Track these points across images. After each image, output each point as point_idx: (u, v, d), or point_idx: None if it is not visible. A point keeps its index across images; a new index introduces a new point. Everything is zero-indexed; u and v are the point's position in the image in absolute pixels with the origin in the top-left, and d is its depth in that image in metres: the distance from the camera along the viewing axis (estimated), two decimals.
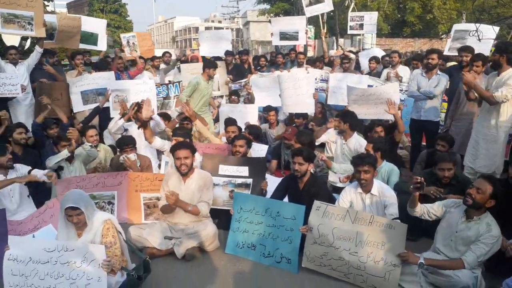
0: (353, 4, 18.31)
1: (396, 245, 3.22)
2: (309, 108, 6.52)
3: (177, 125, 5.82)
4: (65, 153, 4.64)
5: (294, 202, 3.86)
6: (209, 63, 6.57)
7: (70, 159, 4.87)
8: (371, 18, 10.43)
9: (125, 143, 4.92)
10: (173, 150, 4.00)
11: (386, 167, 4.51)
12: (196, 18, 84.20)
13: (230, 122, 6.00)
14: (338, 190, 4.56)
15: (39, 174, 4.17)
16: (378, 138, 5.05)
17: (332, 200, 3.98)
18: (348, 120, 5.08)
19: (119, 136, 5.38)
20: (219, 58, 8.58)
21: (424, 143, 6.34)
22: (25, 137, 4.93)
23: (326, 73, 8.07)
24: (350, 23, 10.54)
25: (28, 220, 4.01)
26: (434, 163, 4.18)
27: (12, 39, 8.13)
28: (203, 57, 9.36)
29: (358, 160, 3.74)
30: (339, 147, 5.24)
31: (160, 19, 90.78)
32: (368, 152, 4.30)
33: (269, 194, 4.39)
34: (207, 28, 50.59)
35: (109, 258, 2.90)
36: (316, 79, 7.45)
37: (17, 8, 5.94)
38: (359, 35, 18.72)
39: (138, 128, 4.98)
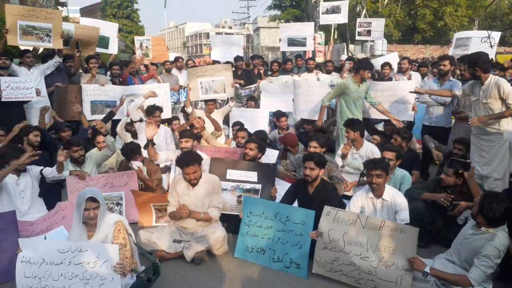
0: (364, 10, 18.31)
1: (408, 250, 3.19)
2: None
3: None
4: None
5: (303, 207, 3.85)
6: (365, 64, 5.88)
7: (80, 163, 4.91)
8: (378, 25, 10.46)
9: (132, 151, 4.95)
10: (180, 165, 3.94)
11: (399, 173, 4.48)
12: (207, 23, 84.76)
13: (239, 127, 6.01)
14: (348, 196, 4.55)
15: (48, 171, 4.23)
16: (399, 146, 4.97)
17: (342, 206, 3.96)
18: (357, 128, 5.04)
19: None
20: (229, 63, 8.62)
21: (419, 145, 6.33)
22: (39, 140, 4.99)
23: (336, 79, 8.08)
24: (358, 29, 10.58)
25: (40, 221, 4.06)
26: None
27: None
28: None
29: (371, 164, 3.73)
30: (350, 156, 5.20)
31: (172, 25, 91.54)
32: (382, 157, 4.25)
33: (278, 200, 4.39)
34: (218, 34, 50.92)
35: (121, 260, 2.92)
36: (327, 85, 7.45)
37: (36, 20, 6.10)
38: (368, 41, 18.72)
39: (145, 148, 4.93)
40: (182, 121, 7.11)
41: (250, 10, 53.69)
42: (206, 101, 7.20)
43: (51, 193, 4.60)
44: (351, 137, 5.06)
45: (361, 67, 5.74)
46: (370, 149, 5.04)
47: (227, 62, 8.56)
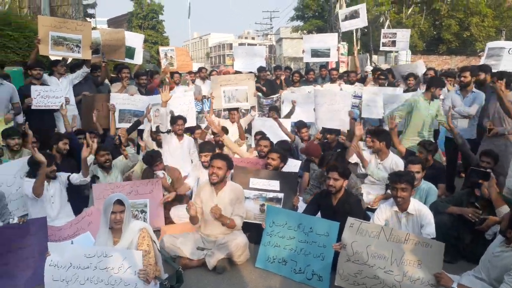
0: (388, 21, 18.20)
1: (433, 265, 3.12)
2: (344, 125, 6.48)
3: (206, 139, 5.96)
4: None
5: (326, 219, 3.82)
6: (437, 81, 5.63)
7: (107, 169, 5.03)
8: (403, 35, 10.35)
9: (153, 158, 5.04)
10: (212, 158, 4.10)
11: (425, 186, 4.39)
12: (230, 34, 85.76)
13: (261, 136, 6.03)
14: (372, 209, 4.50)
15: (74, 176, 4.35)
16: (425, 159, 4.86)
17: (366, 218, 3.91)
18: (384, 139, 4.98)
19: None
20: (252, 73, 8.69)
21: (460, 161, 6.19)
22: (68, 148, 5.12)
23: (359, 89, 8.04)
24: (382, 40, 10.49)
25: (67, 227, 4.16)
26: (473, 182, 4.04)
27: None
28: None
29: (396, 177, 3.68)
30: (374, 167, 5.14)
31: (195, 36, 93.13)
32: (407, 170, 4.19)
33: (300, 209, 4.38)
34: (240, 45, 51.40)
35: (145, 267, 2.97)
36: (351, 96, 7.43)
37: (67, 31, 6.32)
38: (392, 51, 18.56)
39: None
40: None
41: (273, 21, 54.08)
42: (229, 110, 7.27)
43: (79, 199, 4.71)
44: (376, 146, 5.00)
45: (433, 84, 5.49)
46: (395, 161, 4.96)
47: (250, 73, 8.64)
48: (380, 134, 5.02)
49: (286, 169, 5.08)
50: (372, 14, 21.88)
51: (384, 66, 18.02)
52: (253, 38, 77.37)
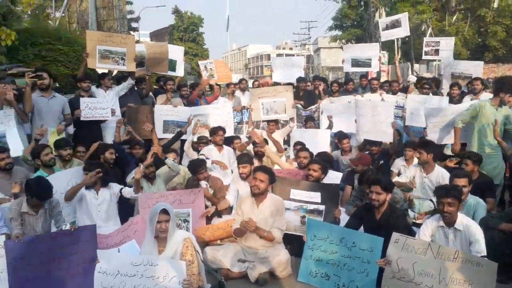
0: (430, 29, 17.73)
1: (485, 285, 2.98)
2: (387, 137, 6.35)
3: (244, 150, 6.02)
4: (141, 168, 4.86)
5: (370, 233, 3.74)
6: (507, 87, 5.23)
7: (151, 179, 5.16)
8: (447, 44, 10.02)
9: (197, 166, 5.12)
10: (255, 170, 4.17)
11: (472, 200, 4.21)
12: (268, 45, 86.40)
13: (301, 147, 6.01)
14: (417, 224, 4.36)
15: (126, 191, 4.49)
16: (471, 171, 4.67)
17: (411, 233, 3.80)
18: (432, 150, 4.81)
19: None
20: (291, 84, 8.70)
21: (507, 174, 5.89)
22: (114, 157, 5.31)
23: (401, 99, 7.86)
24: (425, 49, 10.21)
25: (114, 234, 4.29)
26: None
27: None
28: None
29: (442, 192, 3.55)
30: (418, 179, 4.99)
31: (234, 47, 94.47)
32: (454, 184, 4.03)
33: (342, 222, 4.31)
34: (278, 55, 51.65)
35: (188, 277, 3.01)
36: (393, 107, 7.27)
37: (112, 45, 6.59)
38: (435, 60, 18.04)
39: None
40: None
41: (311, 31, 53.88)
42: (268, 121, 7.32)
43: (125, 208, 4.86)
44: (422, 158, 4.84)
45: (503, 89, 5.15)
46: (441, 174, 4.79)
47: (288, 84, 8.66)
48: (428, 146, 4.85)
49: (327, 180, 5.03)
50: (413, 22, 21.39)
51: (426, 75, 17.55)
52: (291, 49, 77.52)
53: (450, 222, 3.56)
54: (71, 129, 5.98)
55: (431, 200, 4.63)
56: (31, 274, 3.48)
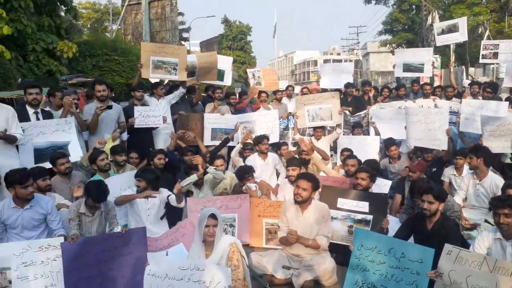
0: (487, 32, 16.86)
1: None
2: (442, 145, 6.11)
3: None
4: (193, 177, 5.01)
5: (420, 243, 3.59)
6: None
7: (199, 186, 5.29)
8: (507, 47, 9.44)
9: (244, 172, 5.20)
10: (298, 178, 4.14)
11: None
12: (315, 51, 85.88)
13: (349, 154, 5.91)
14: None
15: (172, 198, 4.64)
16: None
17: (465, 245, 3.63)
18: (481, 155, 4.58)
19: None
20: (339, 90, 8.60)
21: None
22: (164, 162, 5.50)
23: (456, 105, 7.54)
24: (482, 52, 9.69)
25: (163, 237, 4.44)
26: None
27: None
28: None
29: (498, 202, 3.36)
30: (471, 187, 4.75)
31: (281, 54, 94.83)
32: (509, 194, 3.81)
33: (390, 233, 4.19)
34: (325, 61, 51.27)
35: (234, 282, 3.06)
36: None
37: (165, 55, 6.85)
38: (493, 64, 17.12)
39: None
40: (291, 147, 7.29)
41: (360, 36, 52.98)
42: (314, 128, 7.27)
43: (174, 212, 5.00)
44: (473, 164, 4.63)
45: None
46: (494, 181, 4.54)
47: (337, 90, 8.57)
48: (478, 150, 4.62)
49: (375, 188, 4.92)
50: (469, 24, 20.44)
51: (483, 79, 16.66)
52: (338, 54, 76.61)
53: (508, 234, 3.36)
54: (124, 136, 6.27)
55: (486, 221, 4.40)
56: (85, 274, 3.65)
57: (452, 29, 9.57)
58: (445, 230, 3.61)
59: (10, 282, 3.49)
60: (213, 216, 3.27)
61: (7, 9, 9.74)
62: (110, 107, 5.81)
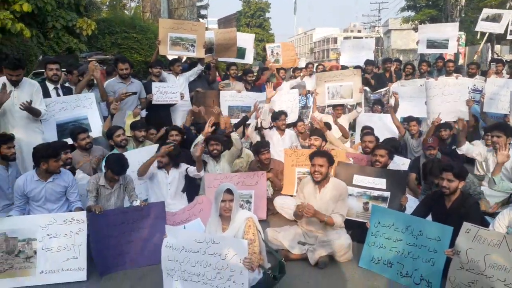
0: None
1: None
2: (463, 115, 5.94)
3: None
4: (200, 137, 5.25)
5: (438, 221, 3.55)
6: None
7: (216, 158, 5.32)
8: None
9: (260, 146, 5.26)
10: (311, 156, 4.09)
11: None
12: (335, 28, 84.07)
13: (367, 131, 5.83)
14: (492, 214, 4.07)
15: (191, 169, 4.78)
16: None
17: (484, 223, 3.56)
18: (511, 134, 4.45)
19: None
20: (359, 67, 8.44)
21: None
22: (179, 139, 5.52)
23: (480, 82, 7.31)
24: (510, 27, 9.33)
25: (181, 212, 4.52)
26: None
27: None
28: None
29: None
30: (491, 166, 4.64)
31: (300, 31, 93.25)
32: None
33: (408, 211, 4.15)
34: (346, 38, 50.08)
35: (250, 255, 3.09)
36: (468, 88, 6.78)
37: (183, 32, 6.79)
38: None
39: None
40: None
41: (381, 13, 51.44)
42: (333, 106, 7.17)
43: (191, 187, 5.08)
44: (501, 142, 4.49)
45: None
46: None
47: (357, 67, 8.39)
48: (508, 128, 4.48)
49: (393, 166, 4.85)
50: None
51: (510, 57, 16.05)
52: (359, 31, 74.85)
53: None
54: (143, 113, 6.31)
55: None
56: (108, 245, 3.79)
57: (496, 18, 9.30)
58: (464, 209, 3.55)
59: (35, 252, 3.63)
60: (229, 191, 3.29)
61: None
62: (134, 93, 5.87)
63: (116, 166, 4.05)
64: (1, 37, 8.86)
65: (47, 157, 3.82)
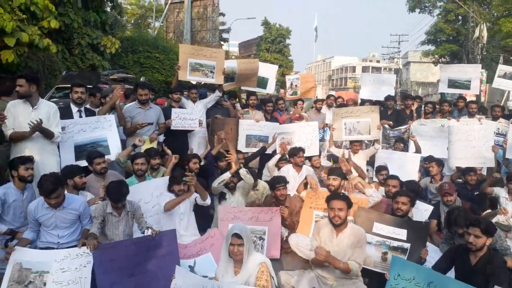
0: None
1: None
2: (488, 162, 5.77)
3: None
4: (226, 174, 5.04)
5: (462, 279, 3.35)
6: None
7: (232, 189, 5.24)
8: None
9: (276, 182, 5.09)
10: (328, 200, 3.95)
11: None
12: (354, 58, 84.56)
13: (390, 175, 5.63)
14: None
15: (199, 198, 4.72)
16: None
17: None
18: None
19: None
20: (378, 102, 8.34)
21: None
22: (198, 166, 5.45)
23: (504, 126, 7.14)
24: None
25: (192, 245, 4.41)
26: None
27: None
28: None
29: None
30: None
31: (319, 58, 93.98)
32: None
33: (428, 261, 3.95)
34: (364, 68, 50.29)
35: None
36: (493, 132, 6.61)
37: (203, 58, 6.80)
38: None
39: None
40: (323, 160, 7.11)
41: (401, 45, 51.48)
42: (351, 142, 7.04)
43: (204, 217, 4.99)
44: None
45: None
46: None
47: (377, 102, 8.29)
48: None
49: (415, 212, 4.67)
50: None
51: None
52: (378, 61, 75.10)
53: None
54: (161, 138, 6.28)
55: None
56: (117, 278, 3.67)
57: None
58: (491, 267, 3.35)
59: (44, 284, 3.56)
60: (237, 235, 3.17)
61: (56, 3, 10.07)
62: (150, 124, 5.87)
63: (114, 194, 3.96)
64: (28, 51, 9.05)
65: (48, 194, 3.70)
